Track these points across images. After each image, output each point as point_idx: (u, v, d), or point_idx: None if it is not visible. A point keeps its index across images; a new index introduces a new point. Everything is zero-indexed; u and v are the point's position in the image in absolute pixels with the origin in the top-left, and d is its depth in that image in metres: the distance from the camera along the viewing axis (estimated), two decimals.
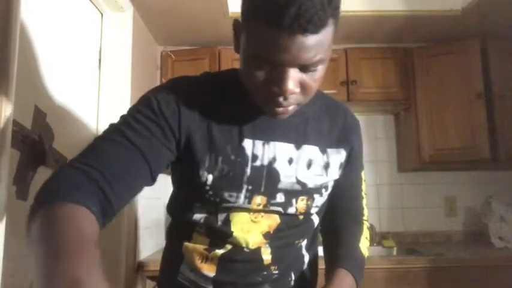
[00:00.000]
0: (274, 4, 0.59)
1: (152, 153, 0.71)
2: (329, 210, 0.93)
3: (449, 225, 2.58)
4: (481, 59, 2.28)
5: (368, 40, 2.47)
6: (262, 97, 0.71)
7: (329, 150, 0.85)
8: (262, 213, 0.81)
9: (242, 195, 0.78)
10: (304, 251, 0.90)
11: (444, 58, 2.34)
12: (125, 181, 0.68)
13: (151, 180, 0.74)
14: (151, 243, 2.19)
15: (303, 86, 0.68)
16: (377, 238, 2.45)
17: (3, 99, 0.96)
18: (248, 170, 0.78)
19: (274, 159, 0.80)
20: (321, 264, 0.96)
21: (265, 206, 0.80)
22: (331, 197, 0.90)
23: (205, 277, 0.83)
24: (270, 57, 0.63)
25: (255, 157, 0.79)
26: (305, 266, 0.91)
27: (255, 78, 0.67)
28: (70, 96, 1.52)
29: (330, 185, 0.87)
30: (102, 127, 1.79)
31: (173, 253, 0.89)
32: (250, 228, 0.81)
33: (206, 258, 0.83)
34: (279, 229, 0.83)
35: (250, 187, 0.78)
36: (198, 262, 0.83)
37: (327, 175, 0.85)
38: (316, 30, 0.60)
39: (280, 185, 0.80)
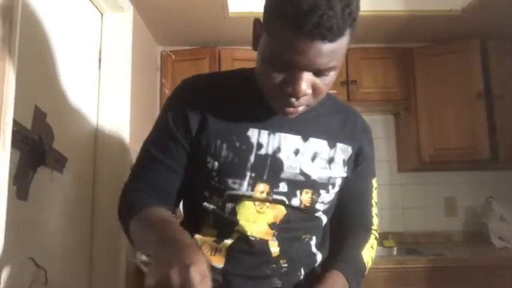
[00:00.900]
0: (298, 10, 0.63)
1: (180, 165, 0.86)
2: (337, 213, 0.93)
3: (449, 225, 2.57)
4: (481, 59, 2.28)
5: (368, 40, 2.47)
6: (275, 96, 0.75)
7: (338, 144, 0.87)
8: (268, 204, 0.83)
9: (245, 183, 0.81)
10: (314, 249, 0.90)
11: (444, 58, 2.34)
12: (170, 191, 0.87)
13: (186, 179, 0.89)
14: None
15: (314, 89, 0.72)
16: None
17: (3, 99, 0.96)
18: (252, 158, 0.81)
19: (278, 149, 0.82)
20: None
21: (268, 194, 0.82)
22: (339, 199, 0.91)
23: (215, 269, 0.84)
24: (288, 59, 0.68)
25: (259, 145, 0.82)
26: (317, 264, 0.90)
27: (270, 78, 0.72)
28: (70, 96, 1.52)
29: (338, 183, 0.87)
30: (102, 127, 1.79)
31: None
32: (256, 219, 0.83)
33: (215, 250, 0.85)
34: (285, 220, 0.84)
35: (253, 174, 0.81)
36: (207, 254, 0.85)
37: (330, 169, 0.85)
38: (334, 38, 0.65)
39: (283, 175, 0.82)
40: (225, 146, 0.82)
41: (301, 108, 0.75)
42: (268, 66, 0.72)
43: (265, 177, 0.82)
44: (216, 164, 0.81)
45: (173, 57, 2.43)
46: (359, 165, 0.91)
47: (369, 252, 0.91)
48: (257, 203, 0.83)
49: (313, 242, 0.89)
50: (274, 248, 0.83)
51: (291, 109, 0.75)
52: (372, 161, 0.97)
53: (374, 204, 0.96)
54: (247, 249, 0.83)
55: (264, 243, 0.83)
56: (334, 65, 0.69)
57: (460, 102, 2.28)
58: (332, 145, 0.86)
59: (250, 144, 0.82)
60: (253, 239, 0.82)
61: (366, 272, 0.90)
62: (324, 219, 0.91)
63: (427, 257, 1.98)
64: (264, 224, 0.83)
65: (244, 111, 0.83)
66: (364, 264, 0.89)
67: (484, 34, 2.32)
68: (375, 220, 0.96)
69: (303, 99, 0.73)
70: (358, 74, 2.36)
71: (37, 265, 1.27)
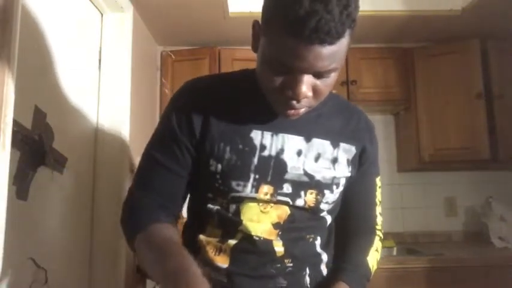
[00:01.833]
0: (296, 15, 0.62)
1: (184, 169, 0.85)
2: (341, 212, 0.93)
3: (449, 225, 2.57)
4: (481, 59, 2.28)
5: (368, 40, 2.47)
6: (275, 98, 0.75)
7: (342, 144, 0.87)
8: (272, 204, 0.83)
9: (249, 184, 0.81)
10: (319, 249, 0.90)
11: (444, 58, 2.34)
12: (175, 196, 0.87)
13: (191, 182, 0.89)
14: None
15: (315, 91, 0.72)
16: None
17: (3, 99, 0.96)
18: (255, 160, 0.81)
19: (282, 151, 0.83)
20: None
21: (272, 195, 0.82)
22: (344, 198, 0.91)
23: (219, 269, 0.84)
24: (287, 63, 0.68)
25: (263, 147, 0.82)
26: (322, 265, 0.90)
27: (270, 80, 0.72)
28: (70, 96, 1.52)
29: (342, 182, 0.87)
30: (102, 127, 1.79)
31: (187, 248, 0.91)
32: (260, 219, 0.83)
33: (220, 250, 0.85)
34: (289, 220, 0.84)
35: (257, 176, 0.81)
36: (212, 254, 0.85)
37: (334, 169, 0.85)
38: (333, 41, 0.64)
39: (287, 176, 0.82)
40: (228, 148, 0.82)
41: (302, 110, 0.76)
42: (268, 68, 0.72)
43: (269, 179, 0.82)
44: (220, 166, 0.81)
45: (173, 57, 2.43)
46: (363, 165, 0.91)
47: (374, 256, 0.91)
48: (261, 203, 0.83)
49: (318, 242, 0.89)
50: (279, 248, 0.83)
51: (292, 111, 0.75)
52: (376, 160, 0.96)
53: (378, 203, 0.96)
54: (251, 249, 0.83)
55: (268, 243, 0.83)
56: (334, 67, 0.69)
57: (460, 102, 2.28)
58: (335, 145, 0.86)
59: (254, 146, 0.82)
60: (257, 238, 0.82)
61: (371, 277, 0.90)
62: (329, 219, 0.91)
63: (427, 257, 1.98)
64: (268, 224, 0.83)
65: (247, 113, 0.83)
66: (370, 270, 0.89)
67: (484, 34, 2.32)
68: (379, 219, 0.96)
69: (303, 102, 0.73)
70: (358, 74, 2.36)
71: (37, 265, 1.27)
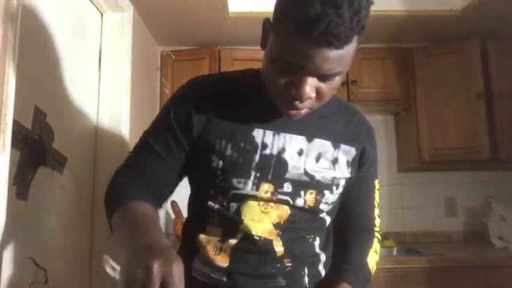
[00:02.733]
0: (306, 16, 0.63)
1: (176, 161, 0.86)
2: (340, 214, 0.94)
3: (449, 225, 2.57)
4: (481, 59, 2.28)
5: (368, 40, 2.47)
6: (279, 97, 0.76)
7: (342, 145, 0.88)
8: (272, 204, 0.83)
9: (250, 182, 0.81)
10: (318, 249, 0.90)
11: (444, 58, 2.34)
12: (161, 185, 0.87)
13: (182, 177, 0.90)
14: None
15: (318, 93, 0.73)
16: None
17: (3, 99, 0.96)
18: (257, 157, 0.82)
19: (283, 150, 0.83)
20: None
21: (272, 194, 0.82)
22: (343, 199, 0.91)
23: (219, 268, 0.84)
24: (294, 63, 0.68)
25: (264, 146, 0.83)
26: (320, 265, 0.91)
27: (276, 79, 0.73)
28: (70, 96, 1.52)
29: (341, 183, 0.88)
30: (102, 127, 1.79)
31: (186, 249, 0.92)
32: (261, 219, 0.83)
33: (220, 249, 0.85)
34: (289, 221, 0.84)
35: (258, 174, 0.82)
36: (212, 254, 0.85)
37: (334, 170, 0.86)
38: (341, 45, 0.65)
39: (288, 175, 0.83)
40: (229, 145, 0.82)
41: (304, 111, 0.76)
42: (274, 67, 0.72)
43: (269, 177, 0.82)
44: (221, 163, 0.82)
45: (173, 57, 2.43)
46: (362, 166, 0.92)
47: (374, 257, 0.92)
48: (261, 202, 0.83)
49: (317, 242, 0.90)
50: (279, 248, 0.84)
51: (294, 111, 0.76)
52: (375, 162, 0.97)
53: (376, 205, 0.97)
54: (251, 248, 0.83)
55: (268, 242, 0.83)
56: (339, 71, 0.70)
57: (460, 102, 2.28)
58: (336, 146, 0.87)
59: (255, 144, 0.82)
60: (257, 238, 0.83)
61: (371, 278, 0.91)
62: (328, 220, 0.91)
63: (427, 257, 1.98)
64: (268, 224, 0.83)
65: (250, 112, 0.84)
66: (370, 270, 0.90)
67: (484, 34, 2.32)
68: (378, 221, 0.97)
69: (306, 102, 0.73)
70: (358, 74, 2.36)
71: (37, 265, 1.27)
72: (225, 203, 0.84)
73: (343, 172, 0.87)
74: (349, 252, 0.91)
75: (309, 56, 0.66)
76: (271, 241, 0.83)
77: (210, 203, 0.85)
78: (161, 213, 2.39)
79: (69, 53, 1.52)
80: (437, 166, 2.45)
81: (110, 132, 1.79)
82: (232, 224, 0.84)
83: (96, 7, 1.79)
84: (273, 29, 0.72)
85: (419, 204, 2.59)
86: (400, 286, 1.91)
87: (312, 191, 0.84)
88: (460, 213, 2.59)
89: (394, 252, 2.34)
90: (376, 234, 0.96)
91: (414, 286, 1.92)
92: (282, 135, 0.83)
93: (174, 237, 2.27)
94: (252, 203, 0.83)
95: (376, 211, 0.97)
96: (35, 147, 1.26)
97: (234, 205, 0.84)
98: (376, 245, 0.94)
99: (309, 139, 0.85)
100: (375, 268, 0.91)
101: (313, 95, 0.72)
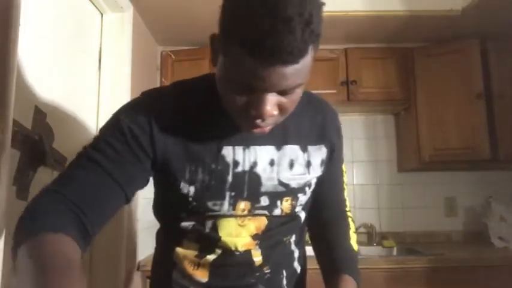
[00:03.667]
0: (255, 35, 0.57)
1: (124, 177, 0.72)
2: (314, 205, 0.93)
3: (449, 225, 2.57)
4: (481, 59, 2.28)
5: (368, 40, 2.47)
6: (239, 117, 0.70)
7: (310, 147, 0.85)
8: (249, 217, 0.82)
9: (226, 203, 0.79)
10: (293, 247, 0.90)
11: (444, 58, 2.34)
12: (98, 207, 0.70)
13: (126, 201, 0.75)
14: (151, 243, 2.19)
15: (280, 108, 0.68)
16: (377, 238, 2.45)
17: (3, 99, 0.96)
18: (230, 178, 0.78)
19: (255, 164, 0.80)
20: (310, 264, 0.96)
21: (249, 210, 0.81)
22: (315, 192, 0.90)
23: (199, 283, 0.84)
24: (249, 84, 0.63)
25: (236, 163, 0.79)
26: (295, 262, 0.91)
27: (232, 100, 0.67)
28: (70, 96, 1.52)
29: (313, 182, 0.87)
30: None
31: (164, 259, 0.90)
32: (238, 233, 0.81)
33: (198, 265, 0.84)
34: (267, 229, 0.83)
35: (233, 193, 0.79)
36: (190, 269, 0.84)
37: (309, 173, 0.84)
38: (296, 60, 0.60)
39: (263, 189, 0.80)
40: (200, 169, 0.77)
41: (268, 128, 0.71)
42: (229, 88, 0.66)
43: (245, 195, 0.79)
44: (192, 188, 0.77)
45: (173, 57, 2.43)
46: (332, 160, 0.90)
47: (354, 238, 0.92)
48: (238, 217, 0.81)
49: (293, 239, 0.90)
50: (257, 258, 0.83)
51: (258, 129, 0.70)
52: (341, 150, 0.95)
53: (345, 187, 0.97)
54: (231, 262, 0.82)
55: (247, 254, 0.83)
56: (299, 83, 0.65)
57: (460, 102, 2.27)
58: (304, 149, 0.84)
59: (226, 164, 0.78)
60: (237, 253, 0.82)
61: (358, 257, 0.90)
62: (303, 216, 0.91)
63: (427, 257, 1.98)
64: (247, 237, 0.82)
65: (215, 129, 0.78)
66: (356, 252, 0.89)
67: (484, 34, 2.32)
68: (348, 202, 0.97)
69: (269, 120, 0.68)
70: (358, 74, 2.36)
71: None
72: (200, 220, 0.81)
73: (316, 172, 0.86)
74: (333, 238, 0.90)
75: (263, 76, 0.60)
76: (249, 251, 0.83)
77: (183, 223, 0.82)
78: None
79: (69, 53, 1.51)
80: (437, 166, 2.45)
81: None
82: (209, 241, 0.82)
83: (96, 7, 1.79)
84: (222, 50, 0.65)
85: (419, 204, 2.59)
86: (400, 286, 1.91)
87: (287, 198, 0.83)
88: (460, 213, 2.59)
89: (394, 252, 2.34)
90: (349, 214, 0.96)
91: (414, 286, 1.92)
92: (252, 148, 0.79)
93: None
94: (229, 219, 0.81)
95: (345, 193, 0.97)
96: (35, 147, 1.26)
97: (209, 222, 0.81)
98: (352, 225, 0.94)
99: (278, 147, 0.81)
100: (357, 248, 0.91)
101: (276, 112, 0.67)
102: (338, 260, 0.85)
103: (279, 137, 0.82)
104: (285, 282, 0.88)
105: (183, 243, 0.85)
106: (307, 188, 0.85)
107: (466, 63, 2.29)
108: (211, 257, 0.82)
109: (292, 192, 0.83)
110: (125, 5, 1.88)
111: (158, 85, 2.49)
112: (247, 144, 0.79)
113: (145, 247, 2.08)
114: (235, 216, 0.81)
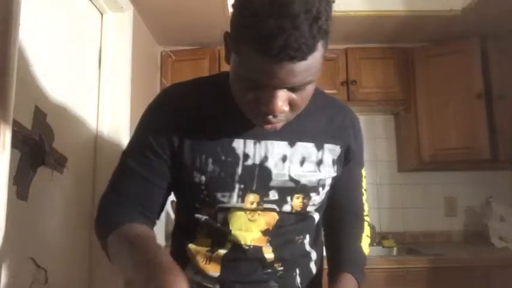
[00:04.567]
0: (262, 34, 0.59)
1: (156, 176, 0.83)
2: (330, 207, 0.93)
3: (449, 225, 2.58)
4: (481, 59, 2.28)
5: (368, 40, 2.47)
6: (251, 113, 0.73)
7: (326, 145, 0.86)
8: (259, 212, 0.82)
9: (235, 195, 0.80)
10: (308, 248, 0.90)
11: (444, 58, 2.34)
12: (150, 205, 0.84)
13: (169, 191, 0.87)
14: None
15: (291, 105, 0.69)
16: (377, 238, 2.45)
17: (4, 100, 0.96)
18: (239, 170, 0.80)
19: (266, 158, 0.81)
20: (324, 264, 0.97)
21: (258, 204, 0.81)
22: (331, 194, 0.91)
23: (211, 278, 0.84)
24: (259, 81, 0.65)
25: (246, 156, 0.80)
26: (312, 263, 0.91)
27: (244, 96, 0.70)
28: (70, 96, 1.52)
29: (327, 183, 0.87)
30: (102, 127, 1.79)
31: (177, 257, 0.90)
32: (248, 227, 0.82)
33: (209, 259, 0.85)
34: (277, 226, 0.83)
35: (242, 186, 0.80)
36: (202, 264, 0.85)
37: (320, 171, 0.85)
38: (304, 57, 0.61)
39: (272, 183, 0.81)
40: (210, 160, 0.79)
41: (279, 124, 0.73)
42: (241, 84, 0.69)
43: (254, 188, 0.80)
44: (203, 178, 0.80)
45: (173, 57, 2.44)
46: (349, 162, 0.91)
47: (366, 241, 0.93)
48: (248, 212, 0.82)
49: (307, 240, 0.90)
50: (269, 254, 0.84)
51: (269, 126, 0.72)
52: (361, 153, 0.96)
53: (364, 192, 0.97)
54: (242, 257, 0.83)
55: (258, 250, 0.83)
56: (309, 80, 0.66)
57: (460, 102, 2.28)
58: (319, 147, 0.85)
59: (237, 156, 0.80)
60: (247, 248, 0.82)
61: (366, 261, 0.91)
62: (317, 217, 0.91)
63: (427, 257, 1.98)
64: (257, 232, 0.83)
65: (228, 122, 0.81)
66: (365, 254, 0.91)
67: (484, 34, 2.32)
68: (366, 207, 0.98)
69: (280, 116, 0.70)
70: (358, 74, 2.36)
71: (37, 265, 1.27)
72: (212, 214, 0.83)
73: (328, 172, 0.86)
74: (343, 240, 0.91)
75: (273, 73, 0.62)
76: (260, 248, 0.83)
77: (197, 215, 0.84)
78: (162, 214, 2.38)
79: (69, 52, 1.51)
80: (437, 166, 2.45)
81: (110, 132, 1.79)
82: (220, 235, 0.83)
83: (96, 7, 1.79)
84: (233, 48, 0.68)
85: (419, 204, 2.59)
86: (400, 286, 1.91)
87: (299, 195, 0.83)
88: (460, 213, 2.59)
89: (394, 252, 2.35)
90: (366, 218, 0.96)
91: (414, 286, 1.92)
92: (263, 142, 0.81)
93: None
94: (239, 213, 0.82)
95: (364, 197, 0.97)
96: (35, 147, 1.26)
97: (221, 215, 0.83)
98: (366, 229, 0.95)
99: (291, 144, 0.82)
100: (367, 252, 0.92)
101: (286, 108, 0.68)
102: (344, 260, 0.86)
103: (292, 134, 0.82)
104: (298, 280, 0.88)
105: (195, 238, 0.86)
106: (320, 189, 0.85)
107: (466, 63, 2.29)
108: (222, 251, 0.83)
109: (303, 189, 0.83)
110: (125, 5, 1.88)
111: (158, 85, 2.49)
112: (258, 138, 0.81)
113: None
114: (245, 209, 0.82)
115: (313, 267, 0.91)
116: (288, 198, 0.82)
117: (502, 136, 2.23)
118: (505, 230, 2.29)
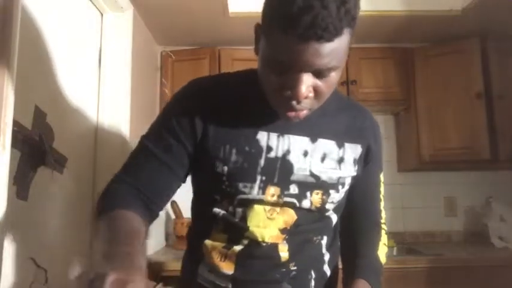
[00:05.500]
0: (291, 11, 0.61)
1: (174, 163, 0.83)
2: (347, 210, 0.93)
3: (449, 225, 2.58)
4: (481, 59, 2.28)
5: (368, 40, 2.47)
6: (276, 100, 0.74)
7: (346, 144, 0.86)
8: (278, 209, 0.83)
9: (256, 186, 0.81)
10: (324, 250, 0.90)
11: (444, 58, 2.34)
12: (158, 190, 0.83)
13: (182, 182, 0.87)
14: (151, 244, 2.19)
15: (316, 91, 0.70)
16: None
17: (3, 99, 0.96)
18: (262, 161, 0.81)
19: (288, 152, 0.82)
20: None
21: (279, 197, 0.82)
22: (349, 196, 0.91)
23: (224, 275, 0.85)
24: (286, 61, 0.66)
25: (269, 149, 0.81)
26: (325, 265, 0.91)
27: (270, 81, 0.71)
28: (70, 96, 1.52)
29: (347, 182, 0.87)
30: (102, 127, 1.79)
31: (192, 255, 0.92)
32: (266, 225, 0.83)
33: (225, 256, 0.85)
34: (296, 224, 0.84)
35: (264, 178, 0.81)
36: (217, 260, 0.85)
37: (340, 169, 0.85)
38: (331, 38, 0.62)
39: (293, 177, 0.82)
40: (234, 150, 0.81)
41: (304, 112, 0.74)
42: (267, 69, 0.71)
43: (275, 180, 0.81)
44: (226, 168, 0.80)
45: (173, 57, 2.43)
46: (368, 163, 0.91)
47: (383, 250, 0.92)
48: (267, 208, 0.82)
49: (324, 242, 0.90)
50: (284, 253, 0.84)
51: (293, 113, 0.73)
52: (380, 157, 0.96)
53: (382, 198, 0.97)
54: (256, 254, 0.83)
55: (274, 247, 0.83)
56: (334, 65, 0.67)
57: (460, 102, 2.28)
58: (340, 145, 0.86)
59: (260, 148, 0.81)
60: (264, 244, 0.82)
61: (383, 270, 0.91)
62: (334, 219, 0.91)
63: (427, 257, 1.98)
64: (275, 230, 0.83)
65: (253, 114, 0.82)
66: (381, 264, 0.90)
67: (484, 34, 2.32)
68: (383, 214, 0.97)
69: (304, 103, 0.71)
70: (358, 74, 2.36)
71: (37, 265, 1.27)
72: (230, 209, 0.83)
73: (349, 171, 0.87)
74: (360, 247, 0.91)
75: (299, 52, 0.63)
76: (276, 245, 0.83)
77: (215, 209, 0.84)
78: (161, 213, 2.38)
79: (69, 53, 1.52)
80: (437, 166, 2.45)
81: (110, 132, 1.79)
82: (237, 231, 0.84)
83: (96, 7, 1.79)
84: (263, 31, 0.70)
85: (419, 204, 2.59)
86: (400, 286, 1.90)
87: (318, 191, 0.83)
88: (460, 213, 2.59)
89: (394, 252, 2.34)
90: (383, 226, 0.96)
91: (414, 286, 1.92)
92: (286, 136, 0.82)
93: (175, 237, 2.27)
94: (258, 209, 0.82)
95: (382, 204, 0.97)
96: (35, 147, 1.26)
97: (239, 211, 0.83)
98: (384, 238, 0.94)
99: (313, 140, 0.83)
100: (385, 260, 0.91)
101: (311, 94, 0.70)
102: (360, 266, 0.86)
103: (313, 130, 0.84)
104: (313, 283, 0.87)
105: (211, 234, 0.87)
106: (340, 187, 0.85)
107: (466, 63, 2.29)
108: (238, 248, 0.84)
109: (323, 185, 0.83)
110: (125, 5, 1.88)
111: (158, 85, 2.49)
112: (282, 132, 0.82)
113: (146, 247, 2.08)
114: (265, 203, 0.82)
115: (326, 269, 0.91)
116: (308, 194, 0.83)
117: (502, 136, 2.23)
118: (505, 230, 2.29)
